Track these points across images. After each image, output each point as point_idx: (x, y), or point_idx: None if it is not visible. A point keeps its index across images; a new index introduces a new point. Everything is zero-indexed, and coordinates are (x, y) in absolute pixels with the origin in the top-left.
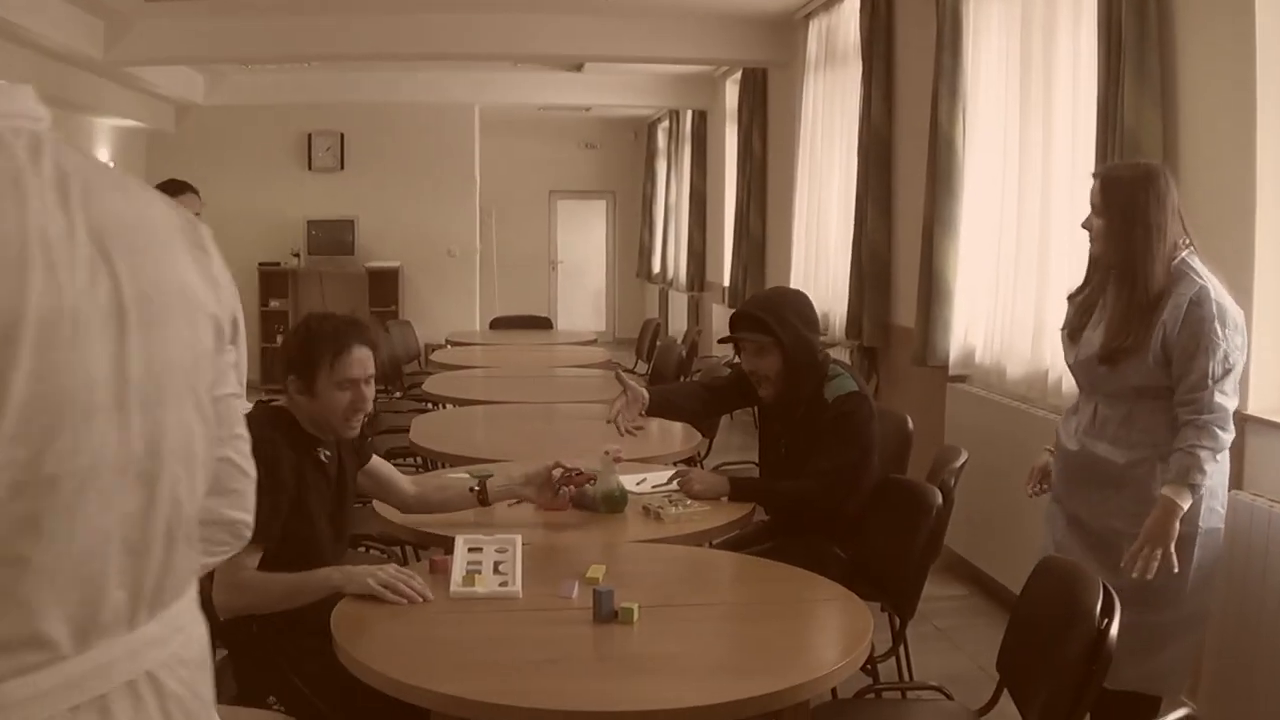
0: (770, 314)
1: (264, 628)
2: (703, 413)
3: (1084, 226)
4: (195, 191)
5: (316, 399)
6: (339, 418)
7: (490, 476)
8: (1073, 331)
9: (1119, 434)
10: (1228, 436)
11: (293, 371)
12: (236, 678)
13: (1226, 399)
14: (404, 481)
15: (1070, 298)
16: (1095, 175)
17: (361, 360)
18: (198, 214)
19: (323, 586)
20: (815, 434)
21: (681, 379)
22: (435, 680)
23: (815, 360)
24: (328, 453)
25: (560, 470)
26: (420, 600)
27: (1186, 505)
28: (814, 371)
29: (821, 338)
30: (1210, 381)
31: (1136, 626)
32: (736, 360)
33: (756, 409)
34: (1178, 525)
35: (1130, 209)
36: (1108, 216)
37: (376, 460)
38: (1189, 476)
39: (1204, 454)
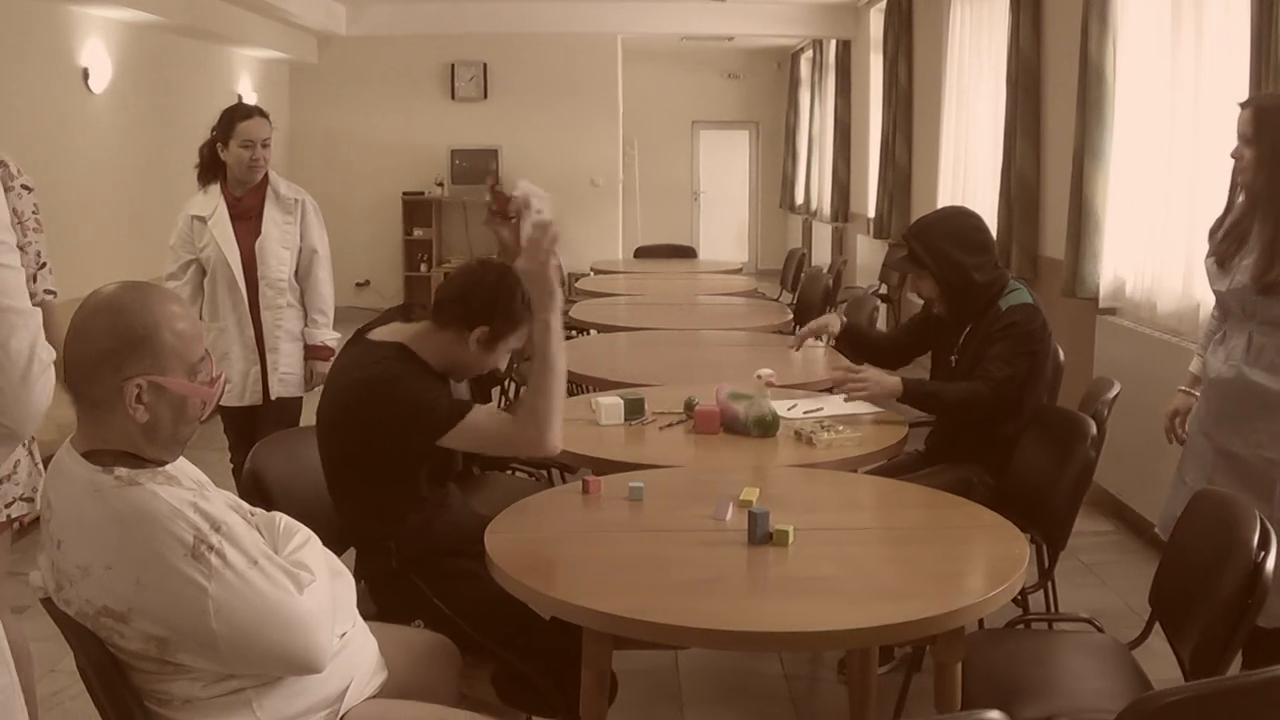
0: (919, 241)
1: (401, 560)
2: (893, 346)
3: (1233, 156)
4: (265, 116)
5: (489, 355)
6: (473, 372)
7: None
8: (1221, 259)
9: (1276, 362)
10: None
11: (487, 324)
12: (377, 603)
13: None
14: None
15: (1213, 231)
16: (1245, 105)
17: (522, 337)
18: (268, 139)
19: (556, 336)
20: (985, 343)
21: (828, 309)
22: (589, 598)
23: (973, 281)
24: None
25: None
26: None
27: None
28: (977, 291)
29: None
30: None
31: None
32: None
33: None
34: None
35: None
36: (1258, 146)
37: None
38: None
39: None
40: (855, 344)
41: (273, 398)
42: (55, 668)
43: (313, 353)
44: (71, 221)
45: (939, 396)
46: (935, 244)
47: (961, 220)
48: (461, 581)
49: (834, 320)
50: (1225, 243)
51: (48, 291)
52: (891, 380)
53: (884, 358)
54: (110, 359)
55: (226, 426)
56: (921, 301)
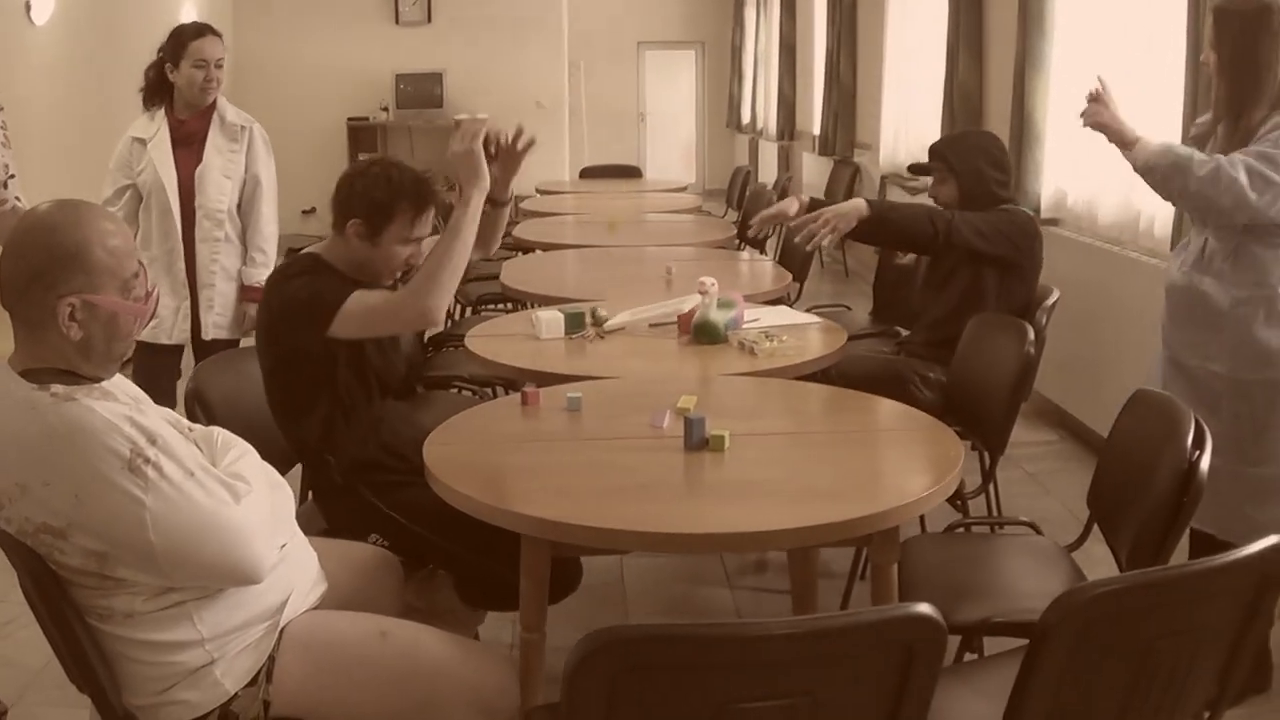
0: (951, 148)
1: (348, 475)
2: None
3: (1202, 62)
4: (218, 34)
5: (378, 249)
6: (388, 270)
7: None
8: None
9: (1223, 268)
10: (1247, 204)
11: (360, 215)
12: (329, 522)
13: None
14: None
15: (1182, 139)
16: (1211, 8)
17: (429, 221)
18: (221, 59)
19: (471, 216)
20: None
21: (773, 227)
22: (526, 504)
23: (992, 194)
24: None
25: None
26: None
27: (1135, 150)
28: (989, 201)
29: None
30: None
31: (1239, 477)
32: None
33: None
34: (1120, 132)
35: (1241, 42)
36: (1219, 51)
37: None
38: (1167, 156)
39: (1210, 178)
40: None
41: (205, 338)
42: (5, 598)
43: (247, 294)
44: (15, 154)
45: (897, 209)
46: (966, 153)
47: (991, 139)
48: (411, 489)
49: (792, 202)
50: (1194, 145)
51: (17, 199)
52: (850, 204)
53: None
54: (42, 278)
55: (137, 368)
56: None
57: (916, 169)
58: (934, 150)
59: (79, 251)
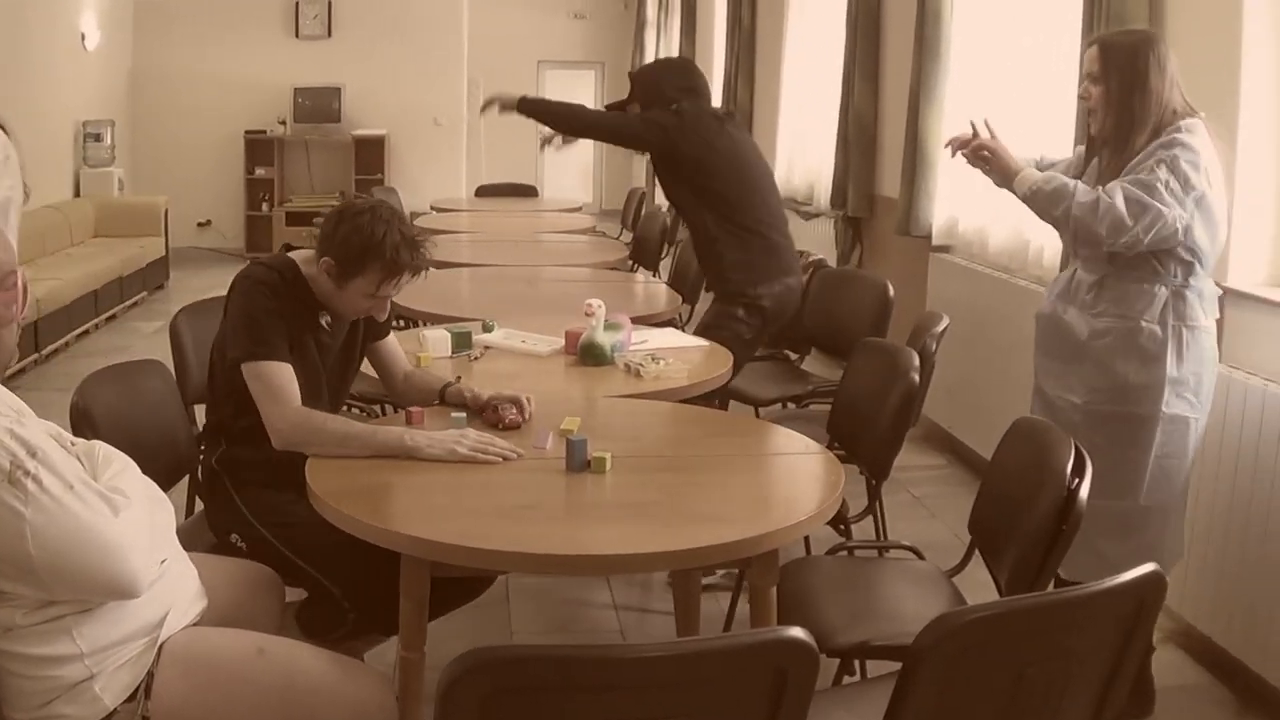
0: None
1: (220, 460)
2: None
3: (1081, 97)
4: None
5: (342, 292)
6: (347, 312)
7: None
8: None
9: (1087, 299)
10: (1124, 230)
11: (334, 257)
12: (209, 522)
13: (1169, 209)
14: (401, 364)
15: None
16: (1091, 42)
17: (398, 284)
18: None
19: (394, 445)
20: None
21: (665, 246)
22: (405, 524)
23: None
24: (329, 319)
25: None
26: (514, 457)
27: (1015, 184)
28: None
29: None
30: (1161, 180)
31: (1104, 512)
32: None
33: None
34: (1006, 164)
35: (1130, 74)
36: (1106, 83)
37: (391, 337)
38: (1050, 183)
39: (1090, 205)
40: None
41: None
42: None
43: None
44: None
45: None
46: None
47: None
48: (271, 493)
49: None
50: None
51: None
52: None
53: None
54: None
55: None
56: None
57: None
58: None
59: None
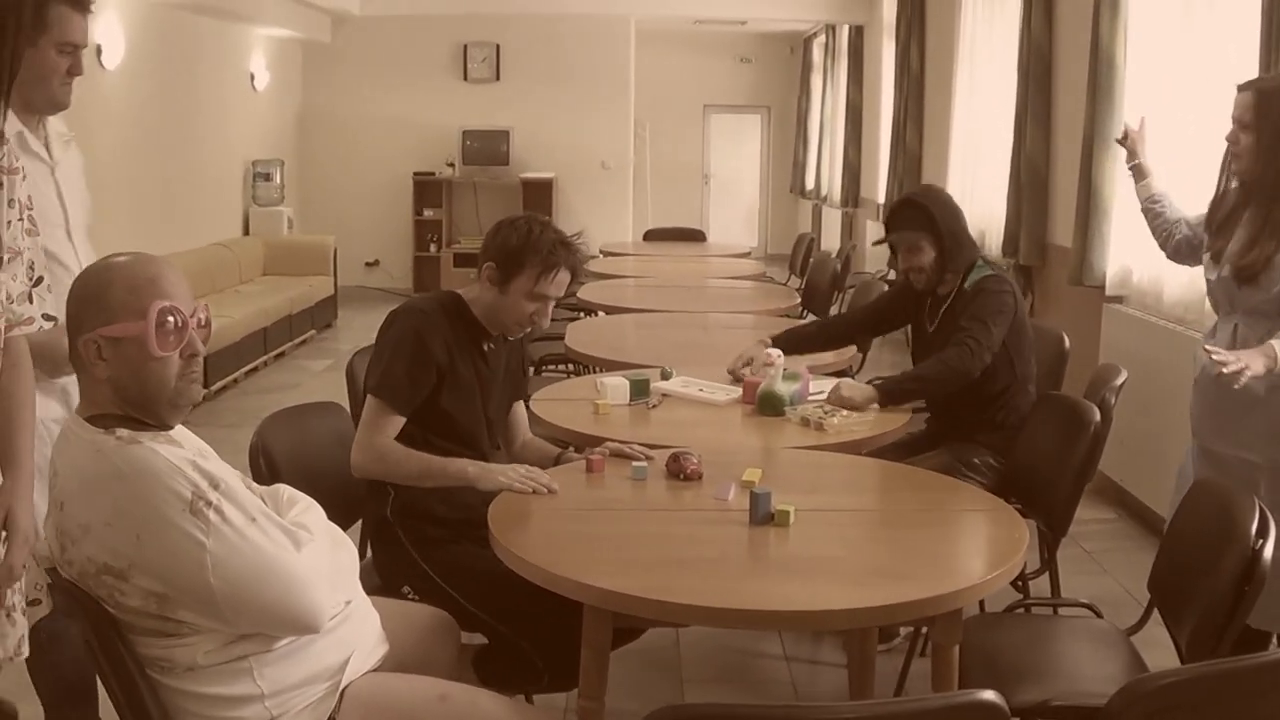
0: (927, 199)
1: (397, 515)
2: (843, 339)
3: (1228, 140)
4: None
5: (505, 297)
6: (513, 322)
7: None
8: (1216, 253)
9: None
10: None
11: (495, 261)
12: (378, 571)
13: None
14: (524, 431)
15: (1207, 223)
16: (1243, 87)
17: (562, 282)
18: None
19: (457, 475)
20: (956, 322)
21: (836, 294)
22: (590, 574)
23: (969, 243)
24: (491, 345)
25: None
26: (549, 493)
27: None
28: (966, 257)
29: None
30: None
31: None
32: (891, 275)
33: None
34: (1261, 365)
35: None
36: (1258, 132)
37: (520, 404)
38: None
39: None
40: (802, 348)
41: None
42: None
43: None
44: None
45: (921, 379)
46: (944, 213)
47: (948, 195)
48: (453, 547)
49: (758, 349)
50: (1218, 234)
51: (48, 319)
52: (865, 388)
53: (845, 341)
54: (72, 324)
55: None
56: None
57: (900, 230)
58: (909, 218)
59: (100, 292)
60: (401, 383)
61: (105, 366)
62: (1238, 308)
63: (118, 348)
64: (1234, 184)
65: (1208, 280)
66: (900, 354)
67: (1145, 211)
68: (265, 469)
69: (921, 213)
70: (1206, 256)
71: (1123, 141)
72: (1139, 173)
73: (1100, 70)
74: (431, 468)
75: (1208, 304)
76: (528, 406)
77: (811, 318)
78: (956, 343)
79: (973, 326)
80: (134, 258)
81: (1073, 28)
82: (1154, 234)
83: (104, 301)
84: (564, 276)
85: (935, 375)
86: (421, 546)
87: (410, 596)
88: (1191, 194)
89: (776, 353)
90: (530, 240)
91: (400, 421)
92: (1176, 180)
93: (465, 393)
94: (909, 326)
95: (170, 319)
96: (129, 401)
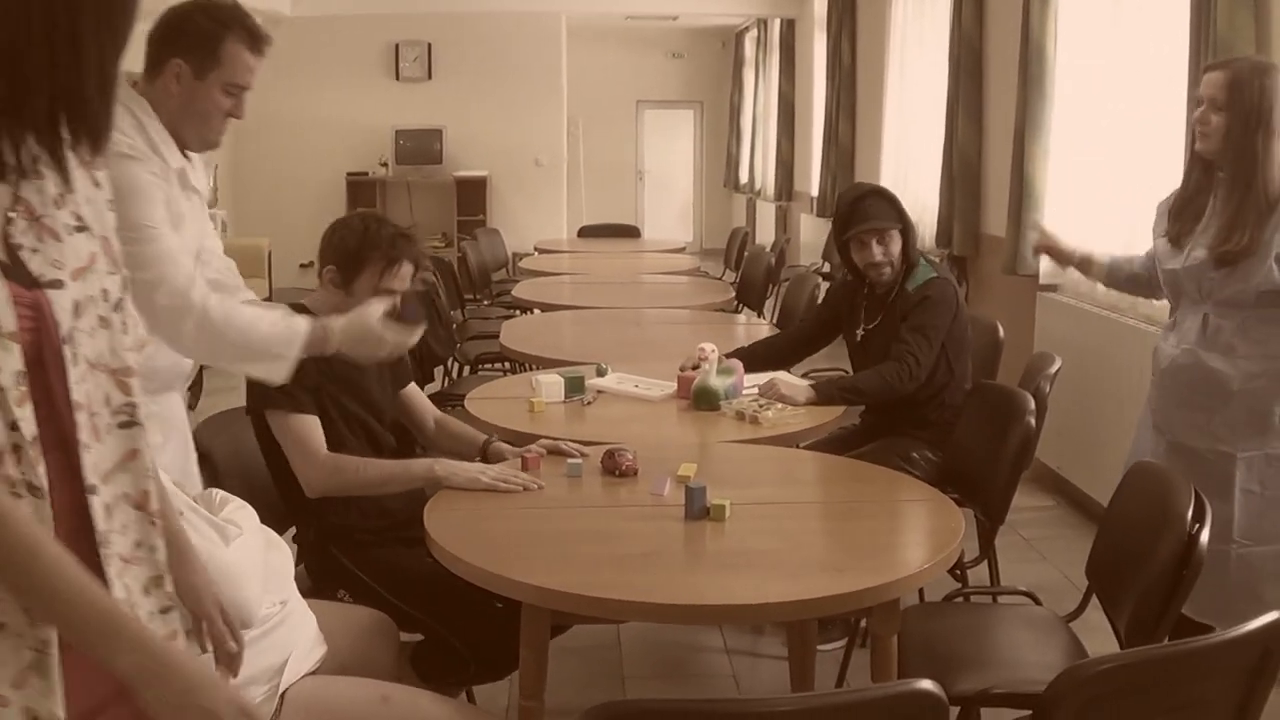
0: (888, 192)
1: (319, 533)
2: (794, 356)
3: (1197, 122)
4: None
5: (351, 297)
6: None
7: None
8: (1176, 237)
9: (1232, 344)
10: None
11: (335, 263)
12: (310, 577)
13: None
14: (430, 410)
15: (1170, 209)
16: (1216, 67)
17: (405, 275)
18: None
19: (423, 476)
20: (897, 324)
21: (770, 287)
22: (528, 573)
23: (913, 246)
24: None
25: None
26: (535, 489)
27: None
28: (911, 258)
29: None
30: None
31: (1248, 559)
32: (825, 268)
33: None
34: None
35: (1257, 108)
36: (1229, 112)
37: (412, 385)
38: None
39: None
40: (754, 368)
41: None
42: None
43: None
44: None
45: (857, 391)
46: (899, 207)
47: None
48: (381, 549)
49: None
50: (1180, 219)
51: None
52: (800, 384)
53: (790, 357)
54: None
55: None
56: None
57: (873, 220)
58: (880, 209)
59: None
60: (297, 388)
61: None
62: (1210, 297)
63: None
64: (1197, 170)
65: (1168, 270)
66: (836, 345)
67: (1115, 287)
68: (204, 472)
69: (890, 204)
70: (1163, 242)
71: (1044, 251)
72: (1083, 266)
73: (1031, 60)
74: (394, 473)
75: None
76: (456, 401)
77: (747, 313)
78: (897, 356)
79: (915, 341)
80: None
81: (1003, 19)
82: (1139, 295)
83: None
84: (407, 269)
85: (872, 390)
86: (352, 552)
87: (344, 598)
88: (1123, 181)
89: (710, 347)
90: (368, 237)
91: (315, 421)
92: (1110, 168)
93: (346, 397)
94: (845, 338)
95: None
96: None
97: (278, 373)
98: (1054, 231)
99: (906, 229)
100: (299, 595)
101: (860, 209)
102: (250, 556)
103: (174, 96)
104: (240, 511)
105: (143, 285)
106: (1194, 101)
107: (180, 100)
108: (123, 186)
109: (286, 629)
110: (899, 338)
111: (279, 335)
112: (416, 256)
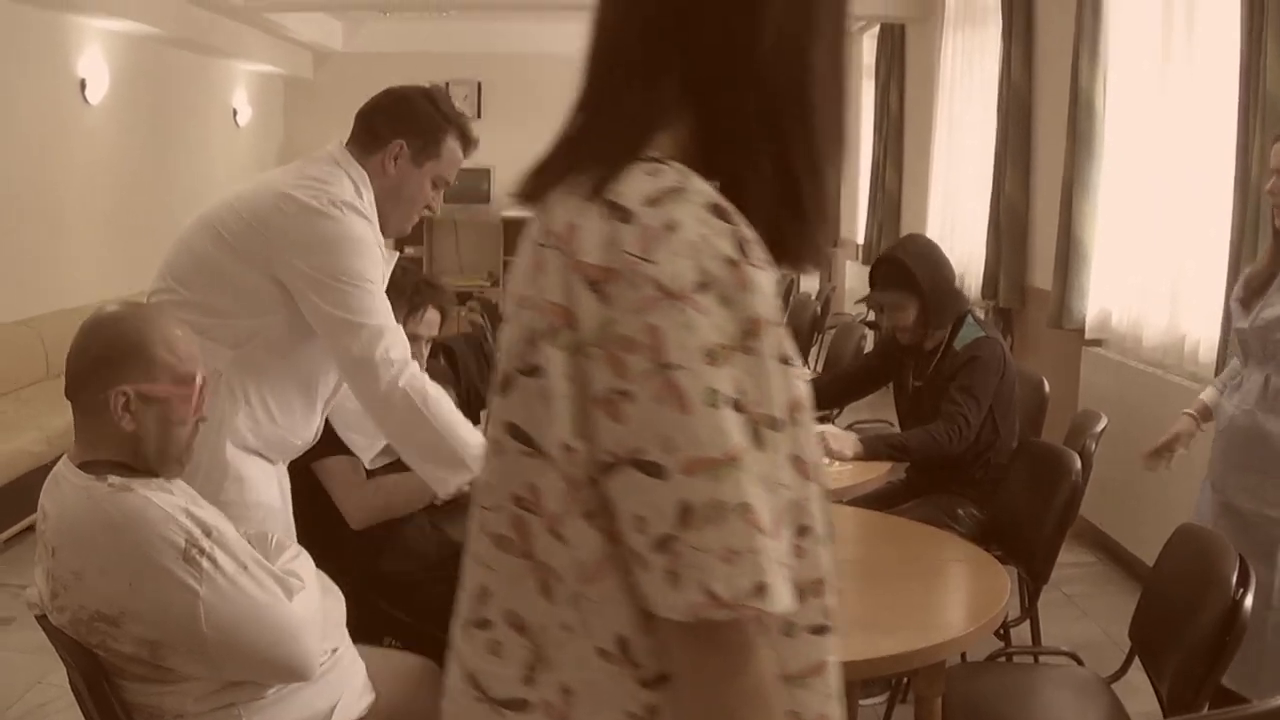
0: (907, 255)
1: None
2: (834, 400)
3: (1271, 193)
4: None
5: (404, 187)
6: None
7: None
8: (1246, 298)
9: None
10: None
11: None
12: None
13: None
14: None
15: (1246, 275)
16: None
17: (432, 322)
18: None
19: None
20: (945, 383)
21: (815, 335)
22: None
23: (956, 294)
24: None
25: None
26: None
27: None
28: (953, 309)
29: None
30: None
31: None
32: (871, 317)
33: (896, 369)
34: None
35: None
36: None
37: None
38: None
39: None
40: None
41: None
42: (42, 680)
43: None
44: (64, 231)
45: (905, 450)
46: (925, 267)
47: (929, 241)
48: (419, 592)
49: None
50: (1254, 283)
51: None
52: (848, 438)
53: (837, 399)
54: (100, 368)
55: None
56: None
57: (881, 293)
58: (888, 276)
59: (140, 345)
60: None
61: (131, 420)
62: (1274, 357)
63: (149, 405)
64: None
65: (1237, 328)
66: (882, 395)
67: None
68: None
69: (900, 270)
70: (1236, 304)
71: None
72: (1206, 414)
73: (1080, 113)
74: (422, 488)
75: (1186, 347)
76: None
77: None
78: (947, 417)
79: (965, 402)
80: (156, 311)
81: (1052, 71)
82: None
83: (145, 356)
84: (433, 316)
85: (920, 449)
86: (393, 596)
87: (393, 645)
88: (1172, 236)
89: None
90: (390, 284)
91: (356, 459)
92: (1158, 223)
93: None
94: (894, 390)
95: (201, 384)
96: (143, 455)
97: (448, 484)
98: (1161, 443)
99: (924, 295)
100: (350, 641)
101: (874, 275)
102: (310, 609)
103: (388, 177)
104: (298, 560)
105: (372, 331)
106: (1242, 156)
107: (393, 182)
108: (353, 236)
109: (337, 674)
110: (949, 398)
111: (475, 445)
112: (443, 303)
